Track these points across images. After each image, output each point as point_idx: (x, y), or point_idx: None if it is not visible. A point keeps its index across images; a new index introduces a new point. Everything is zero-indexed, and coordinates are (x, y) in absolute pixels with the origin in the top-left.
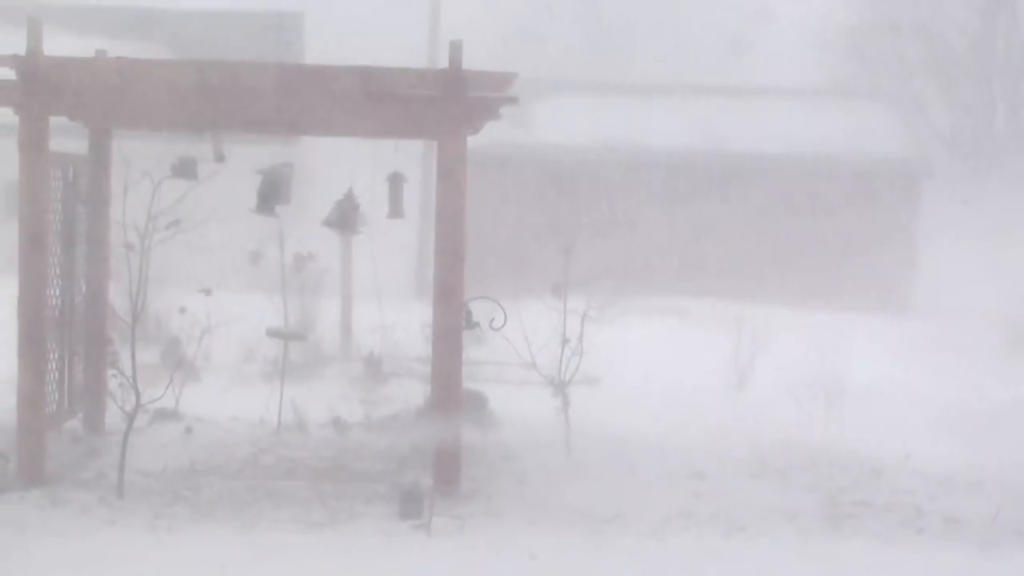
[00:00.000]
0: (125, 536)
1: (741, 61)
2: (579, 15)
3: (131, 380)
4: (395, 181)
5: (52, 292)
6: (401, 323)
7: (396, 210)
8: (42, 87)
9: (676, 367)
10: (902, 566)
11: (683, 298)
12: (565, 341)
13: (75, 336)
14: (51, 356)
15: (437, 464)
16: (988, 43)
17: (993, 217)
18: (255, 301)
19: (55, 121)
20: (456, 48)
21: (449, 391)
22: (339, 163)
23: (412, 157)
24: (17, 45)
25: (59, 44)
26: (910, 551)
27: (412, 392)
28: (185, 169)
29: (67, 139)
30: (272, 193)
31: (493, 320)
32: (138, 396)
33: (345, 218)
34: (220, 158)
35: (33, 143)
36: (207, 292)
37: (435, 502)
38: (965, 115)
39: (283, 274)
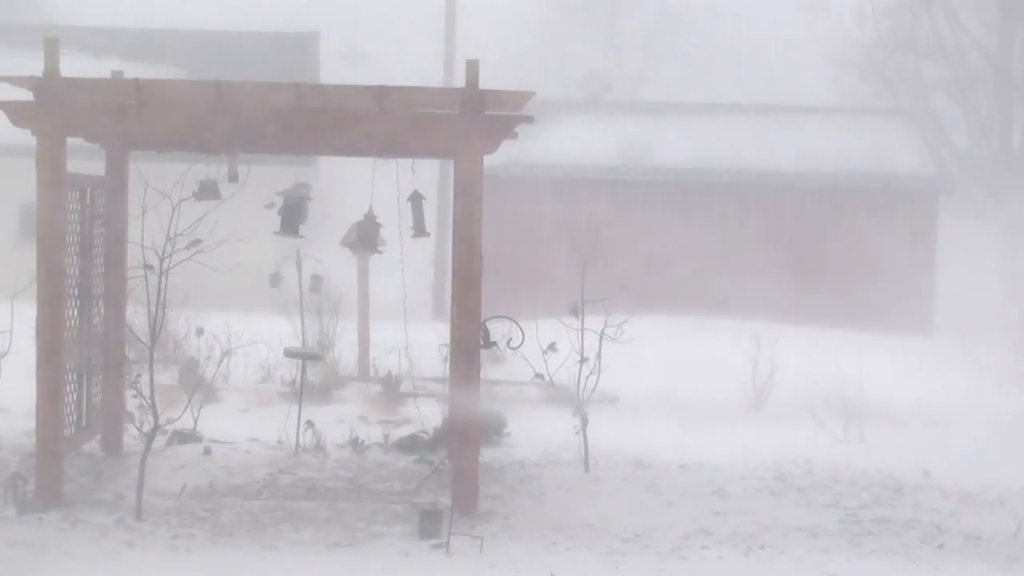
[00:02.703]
0: (144, 558)
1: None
2: (597, 35)
3: (149, 401)
4: (416, 201)
5: (70, 313)
6: (418, 342)
7: (420, 229)
8: (59, 108)
9: (694, 385)
10: None
11: (701, 316)
12: (583, 360)
13: (93, 357)
14: (69, 377)
15: (455, 484)
16: (1005, 60)
17: (1012, 234)
18: (273, 321)
19: (72, 142)
20: (473, 67)
21: (467, 410)
22: (356, 183)
23: (430, 176)
24: (34, 67)
25: (76, 66)
26: (931, 568)
27: (430, 412)
28: (207, 191)
29: (84, 160)
30: (294, 214)
31: (511, 339)
32: (156, 417)
33: (366, 237)
34: (234, 178)
35: (50, 164)
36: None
37: (454, 522)
38: (983, 132)
39: (301, 294)
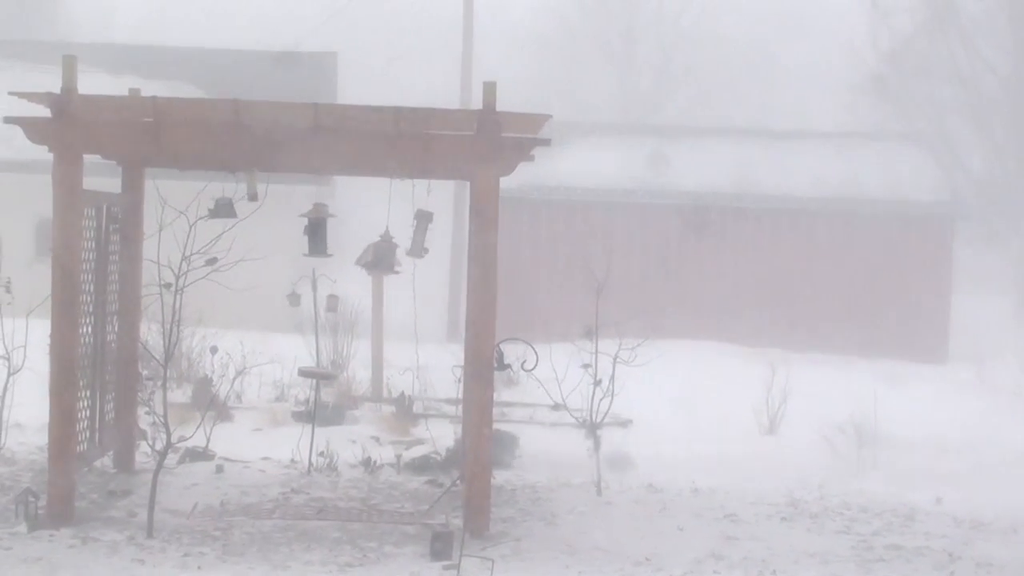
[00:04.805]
0: (154, 575)
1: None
2: (613, 58)
3: (162, 418)
4: (421, 219)
5: (84, 330)
6: (432, 364)
7: (417, 249)
8: (76, 125)
9: (707, 409)
10: None
11: (714, 340)
12: (596, 383)
13: (107, 374)
14: (82, 394)
15: (467, 505)
16: (1020, 84)
17: None
18: (287, 341)
19: (89, 159)
20: (490, 89)
21: (479, 432)
22: (373, 204)
23: (445, 197)
24: (52, 83)
25: (93, 83)
26: None
27: (442, 433)
28: (222, 210)
29: (101, 177)
30: (320, 235)
31: (524, 361)
32: (169, 435)
33: (382, 258)
34: (253, 197)
35: (67, 181)
36: (214, 350)
37: (465, 543)
38: (998, 157)
39: (316, 314)
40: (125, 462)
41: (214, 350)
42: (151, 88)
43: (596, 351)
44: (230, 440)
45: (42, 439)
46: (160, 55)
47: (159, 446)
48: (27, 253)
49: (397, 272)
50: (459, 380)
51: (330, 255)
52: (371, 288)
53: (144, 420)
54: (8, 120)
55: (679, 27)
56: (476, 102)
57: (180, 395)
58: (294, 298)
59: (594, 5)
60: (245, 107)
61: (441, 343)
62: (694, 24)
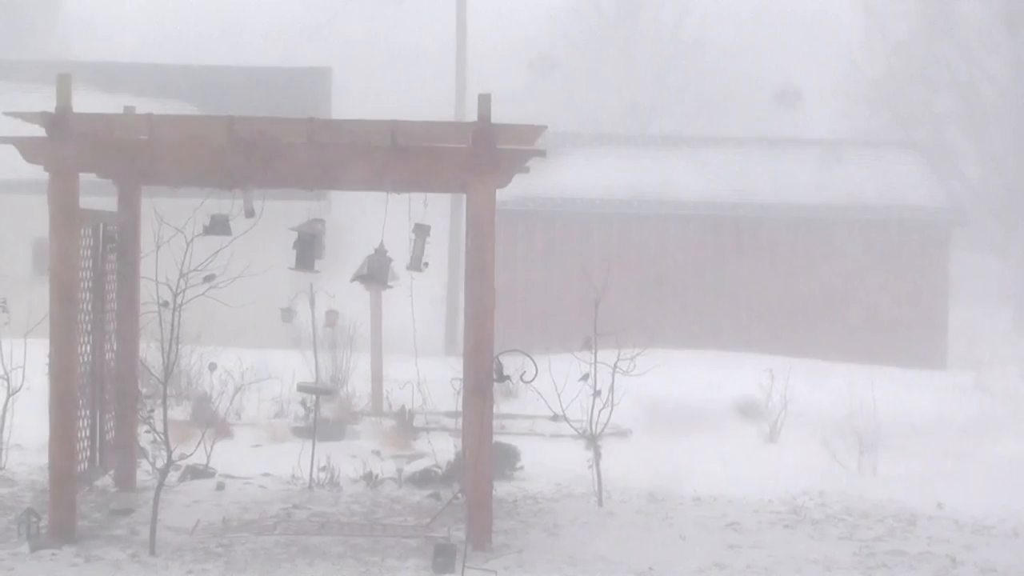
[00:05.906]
0: None
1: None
2: (610, 69)
3: (162, 436)
4: (419, 233)
5: (83, 349)
6: (432, 376)
7: (416, 263)
8: (71, 144)
9: (707, 418)
10: None
11: (714, 349)
12: (596, 393)
13: (106, 393)
14: (82, 413)
15: (469, 518)
16: (1018, 93)
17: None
18: (286, 356)
19: (84, 177)
20: (485, 101)
21: (480, 445)
22: (369, 217)
23: (442, 210)
24: (47, 102)
25: (88, 101)
26: None
27: (443, 446)
28: (218, 227)
29: (97, 195)
30: (309, 249)
31: (524, 373)
32: (169, 452)
33: (377, 272)
34: (251, 213)
35: (63, 200)
36: (213, 367)
37: (468, 556)
38: (995, 164)
39: (314, 330)
40: (126, 480)
41: (213, 367)
42: (146, 106)
43: (595, 361)
44: (230, 457)
45: (42, 459)
46: (154, 73)
47: (160, 464)
48: (25, 273)
49: (391, 287)
50: (459, 393)
51: (317, 271)
52: (369, 302)
53: (144, 438)
54: (3, 140)
55: (677, 38)
56: (471, 114)
57: (180, 412)
58: (287, 313)
59: (593, 17)
60: (240, 123)
61: (440, 356)
62: (693, 35)
